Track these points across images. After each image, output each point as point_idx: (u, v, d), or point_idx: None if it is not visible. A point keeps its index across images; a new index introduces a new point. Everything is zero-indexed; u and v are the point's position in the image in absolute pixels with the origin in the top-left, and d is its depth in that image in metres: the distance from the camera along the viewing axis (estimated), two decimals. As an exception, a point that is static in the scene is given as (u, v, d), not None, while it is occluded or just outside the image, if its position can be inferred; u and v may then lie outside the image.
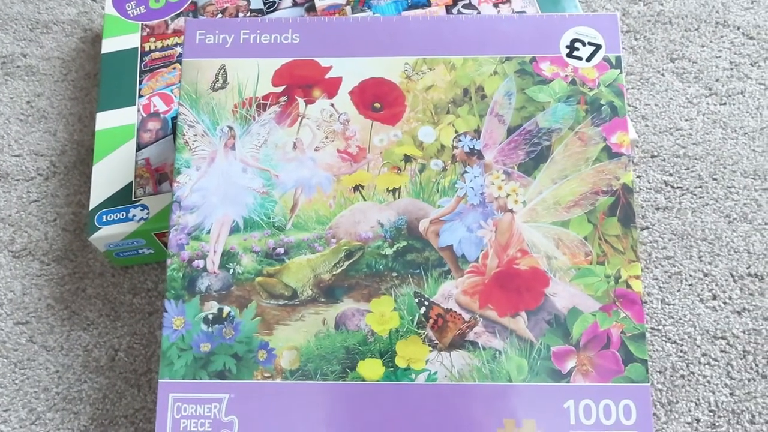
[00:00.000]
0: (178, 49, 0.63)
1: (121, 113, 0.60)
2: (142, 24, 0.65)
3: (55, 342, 0.56)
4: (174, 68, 0.62)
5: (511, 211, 0.47)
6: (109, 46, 0.64)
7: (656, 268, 0.56)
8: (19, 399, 0.54)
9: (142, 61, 0.63)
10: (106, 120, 0.60)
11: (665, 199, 0.59)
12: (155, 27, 0.65)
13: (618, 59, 0.50)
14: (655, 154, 0.61)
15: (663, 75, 0.65)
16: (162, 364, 0.45)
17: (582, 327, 0.45)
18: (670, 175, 0.60)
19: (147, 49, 0.64)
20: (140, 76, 0.62)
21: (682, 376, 0.52)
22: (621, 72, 0.49)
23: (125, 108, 0.60)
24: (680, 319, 0.54)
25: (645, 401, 0.44)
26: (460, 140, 0.49)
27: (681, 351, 0.53)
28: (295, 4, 0.64)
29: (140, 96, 0.61)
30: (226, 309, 0.46)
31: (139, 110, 0.60)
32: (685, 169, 0.60)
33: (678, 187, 0.59)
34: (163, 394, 0.45)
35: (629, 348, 0.45)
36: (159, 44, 0.64)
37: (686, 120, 0.62)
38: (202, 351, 0.45)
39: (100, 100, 0.61)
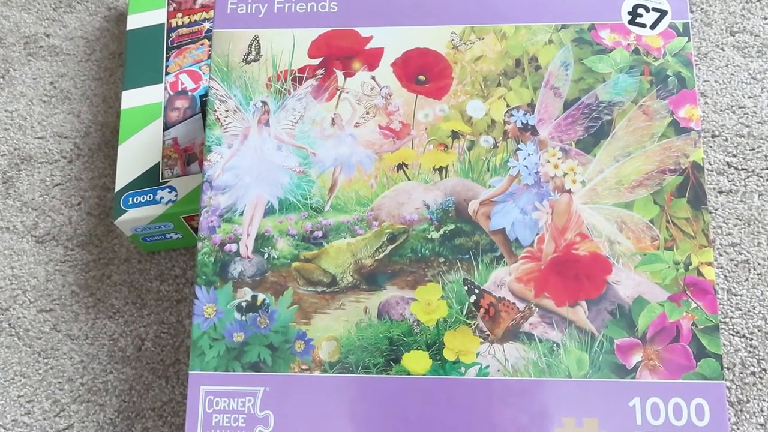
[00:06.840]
0: (206, 25, 0.60)
1: (147, 91, 0.57)
2: (168, -1, 0.62)
3: (79, 330, 0.54)
4: (202, 44, 0.59)
5: (569, 191, 0.43)
6: (134, 22, 0.61)
7: (721, 255, 0.52)
8: (42, 390, 0.52)
9: (168, 37, 0.60)
10: (131, 99, 0.57)
11: (729, 181, 0.54)
12: (182, 2, 0.62)
13: (686, 26, 0.46)
14: (717, 133, 0.56)
15: (723, 50, 0.60)
16: (193, 355, 0.42)
17: (649, 318, 0.41)
18: (734, 156, 0.55)
19: (174, 25, 0.61)
20: (167, 53, 0.59)
21: (753, 373, 0.48)
22: (689, 40, 0.45)
23: (152, 86, 0.57)
24: (749, 311, 0.50)
25: (719, 400, 0.40)
26: (512, 115, 0.45)
27: (751, 346, 0.48)
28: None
29: (167, 74, 0.58)
30: (261, 296, 0.43)
31: (166, 88, 0.57)
32: (750, 150, 0.55)
33: (743, 169, 0.55)
34: (194, 387, 0.42)
35: (701, 341, 0.41)
36: (186, 20, 0.61)
37: (749, 97, 0.58)
38: (235, 341, 0.42)
39: (125, 79, 0.58)
